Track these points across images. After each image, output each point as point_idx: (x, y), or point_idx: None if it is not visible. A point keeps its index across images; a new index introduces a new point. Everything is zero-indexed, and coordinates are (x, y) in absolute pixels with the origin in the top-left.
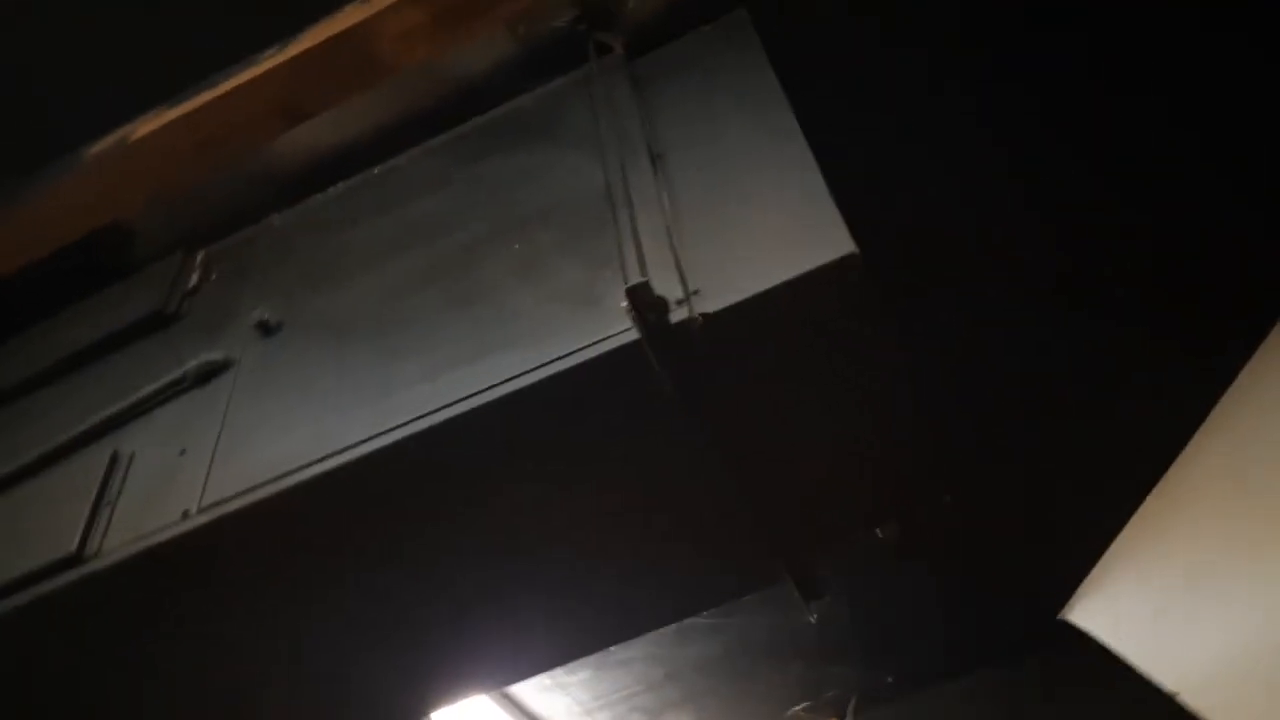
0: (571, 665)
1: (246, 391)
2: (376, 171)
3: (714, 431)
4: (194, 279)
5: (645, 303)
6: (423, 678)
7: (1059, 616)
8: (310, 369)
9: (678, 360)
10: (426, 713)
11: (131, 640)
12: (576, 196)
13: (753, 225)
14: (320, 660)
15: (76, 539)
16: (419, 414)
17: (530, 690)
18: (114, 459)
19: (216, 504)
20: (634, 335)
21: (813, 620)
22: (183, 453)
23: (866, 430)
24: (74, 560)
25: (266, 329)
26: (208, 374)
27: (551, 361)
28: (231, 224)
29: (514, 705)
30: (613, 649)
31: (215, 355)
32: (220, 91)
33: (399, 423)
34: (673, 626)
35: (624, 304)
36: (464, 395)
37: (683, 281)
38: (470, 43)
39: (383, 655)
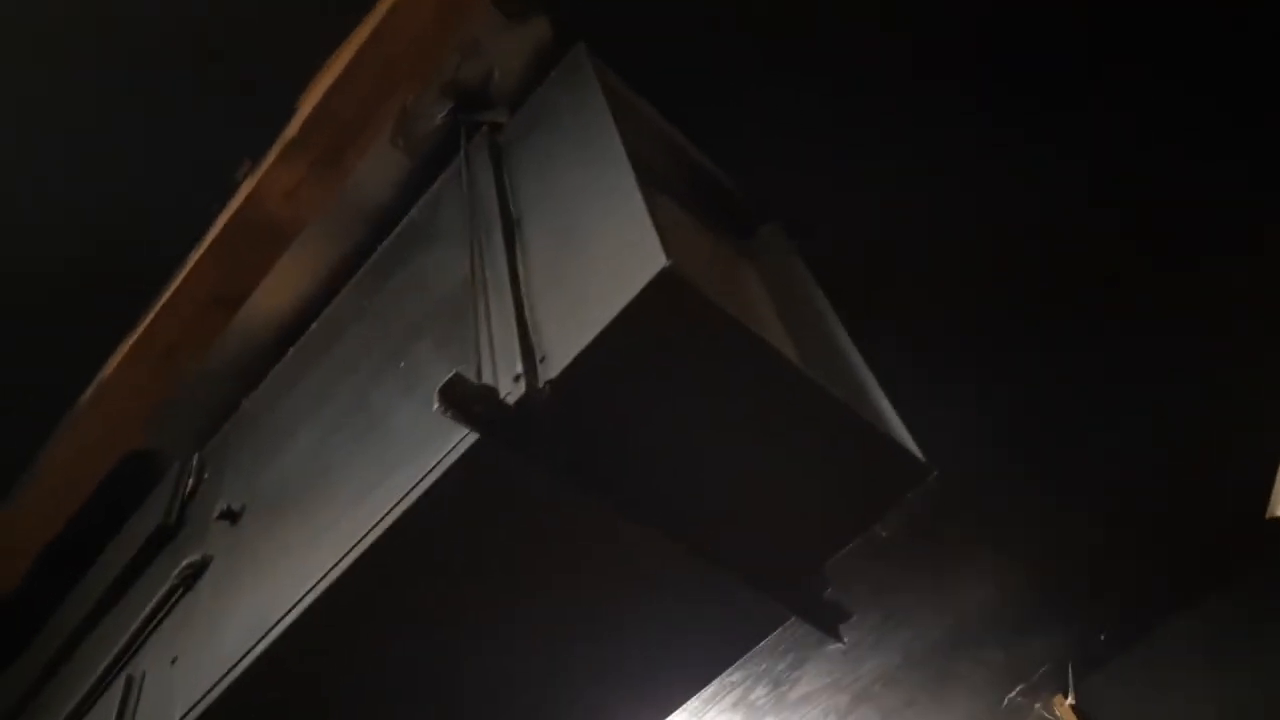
0: (751, 716)
1: (217, 586)
2: (315, 326)
3: (623, 497)
4: (190, 484)
5: (465, 397)
6: None
7: (1268, 515)
8: (259, 549)
9: (539, 439)
10: None
11: None
12: (447, 294)
13: (588, 271)
14: None
15: None
16: (313, 582)
17: None
18: (128, 684)
19: (190, 710)
20: (470, 438)
21: (843, 644)
22: (174, 662)
23: (799, 433)
24: None
25: (231, 516)
26: (190, 577)
27: (414, 487)
28: (220, 420)
29: None
30: (785, 689)
31: (194, 557)
32: (164, 301)
33: (299, 596)
34: (837, 650)
35: (438, 407)
36: (344, 550)
37: (525, 355)
38: (359, 174)
39: None
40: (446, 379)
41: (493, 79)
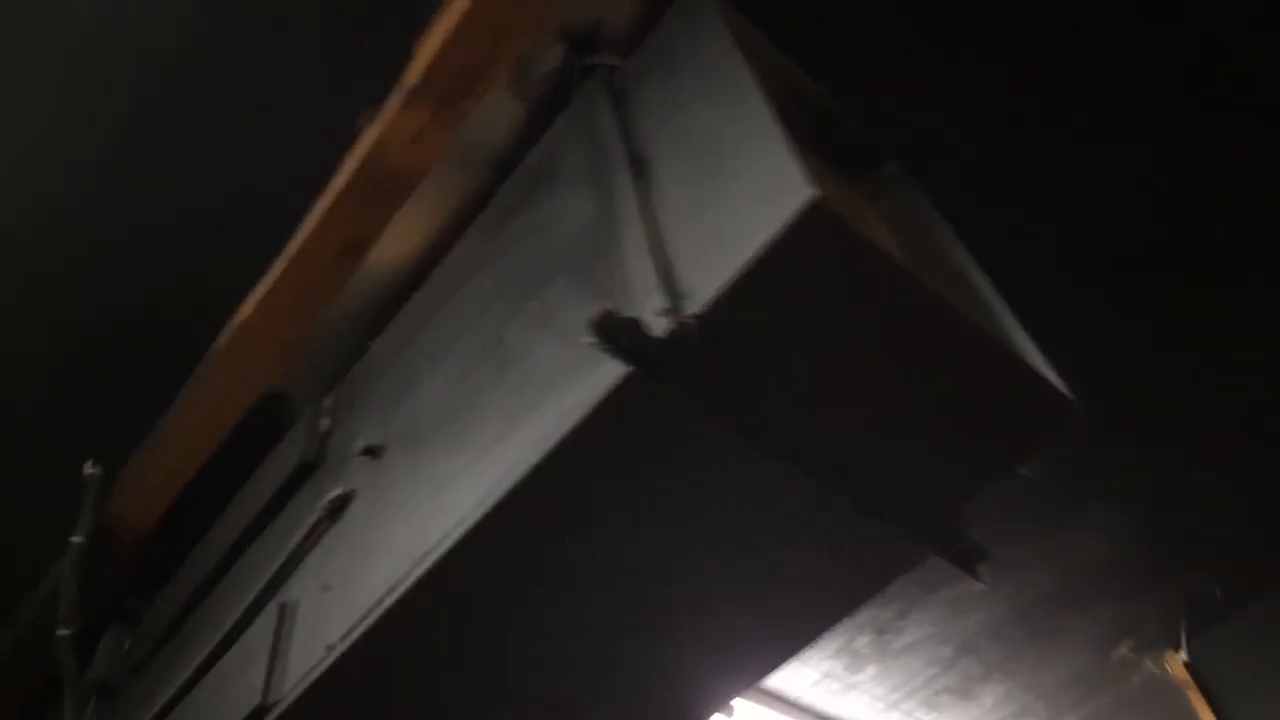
0: (854, 664)
1: (364, 518)
2: (437, 271)
3: (758, 438)
4: (325, 423)
5: (614, 330)
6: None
7: None
8: (405, 482)
9: (685, 374)
10: None
11: None
12: (576, 235)
13: (729, 207)
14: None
15: (260, 692)
16: (459, 517)
17: (824, 695)
18: (281, 610)
19: (348, 633)
20: (619, 370)
21: (986, 586)
22: (326, 589)
23: (939, 368)
24: (262, 710)
25: (373, 453)
26: (336, 510)
27: (562, 420)
28: (349, 362)
29: (813, 715)
30: (888, 638)
31: (338, 490)
32: (294, 251)
33: (448, 529)
34: (944, 599)
35: (589, 340)
36: (495, 479)
37: (668, 290)
38: (479, 118)
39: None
40: (597, 313)
41: (605, 22)
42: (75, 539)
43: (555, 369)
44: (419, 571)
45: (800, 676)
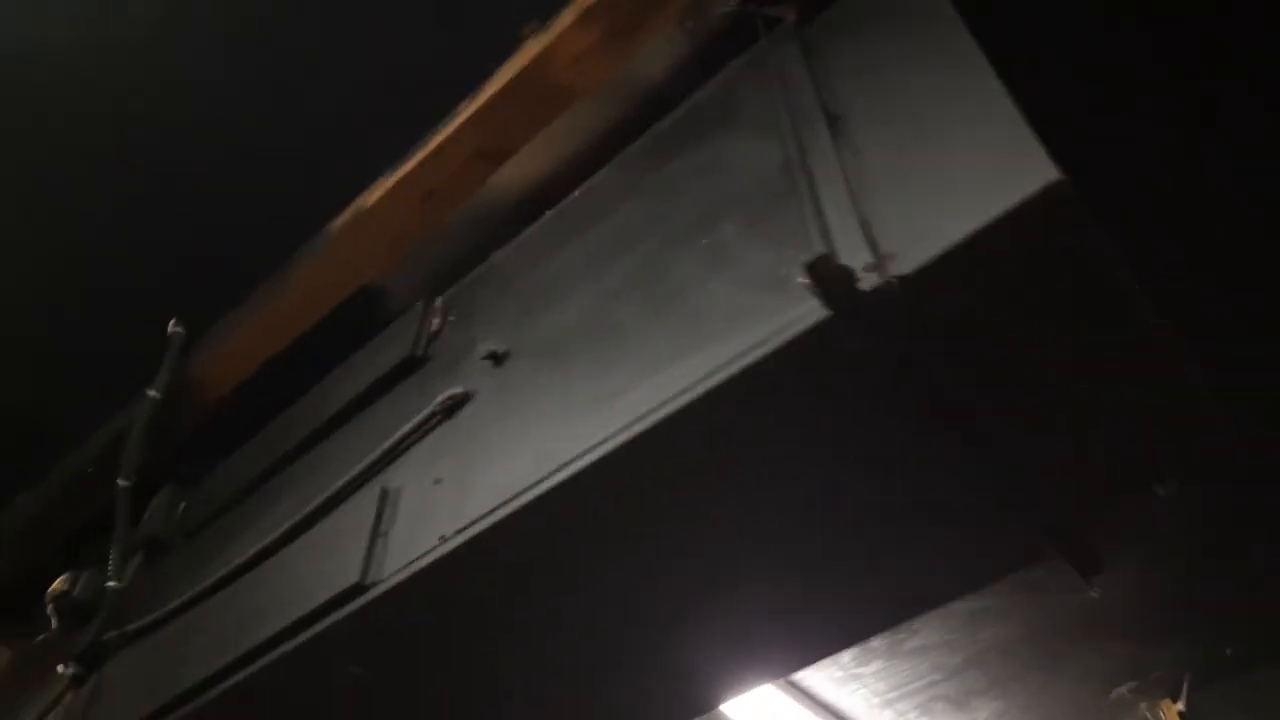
0: (862, 656)
1: (484, 420)
2: (577, 194)
3: (933, 403)
4: (435, 323)
5: (828, 274)
6: (700, 671)
7: None
8: (535, 392)
9: (877, 331)
10: (714, 705)
11: (411, 655)
12: (756, 179)
13: (944, 173)
14: (599, 658)
15: (359, 570)
16: (618, 427)
17: (825, 683)
18: (383, 495)
19: (467, 527)
20: (821, 314)
21: (1094, 595)
22: (438, 482)
23: (1121, 374)
24: (358, 589)
25: (496, 359)
26: (452, 408)
27: (739, 356)
28: (460, 268)
29: (810, 699)
30: (902, 637)
31: (457, 390)
32: (431, 147)
33: (603, 438)
34: (965, 610)
35: (803, 281)
36: (659, 403)
37: (871, 246)
38: (644, 49)
39: (659, 650)
40: (814, 255)
41: None
42: (151, 393)
43: (729, 306)
44: (559, 477)
45: None
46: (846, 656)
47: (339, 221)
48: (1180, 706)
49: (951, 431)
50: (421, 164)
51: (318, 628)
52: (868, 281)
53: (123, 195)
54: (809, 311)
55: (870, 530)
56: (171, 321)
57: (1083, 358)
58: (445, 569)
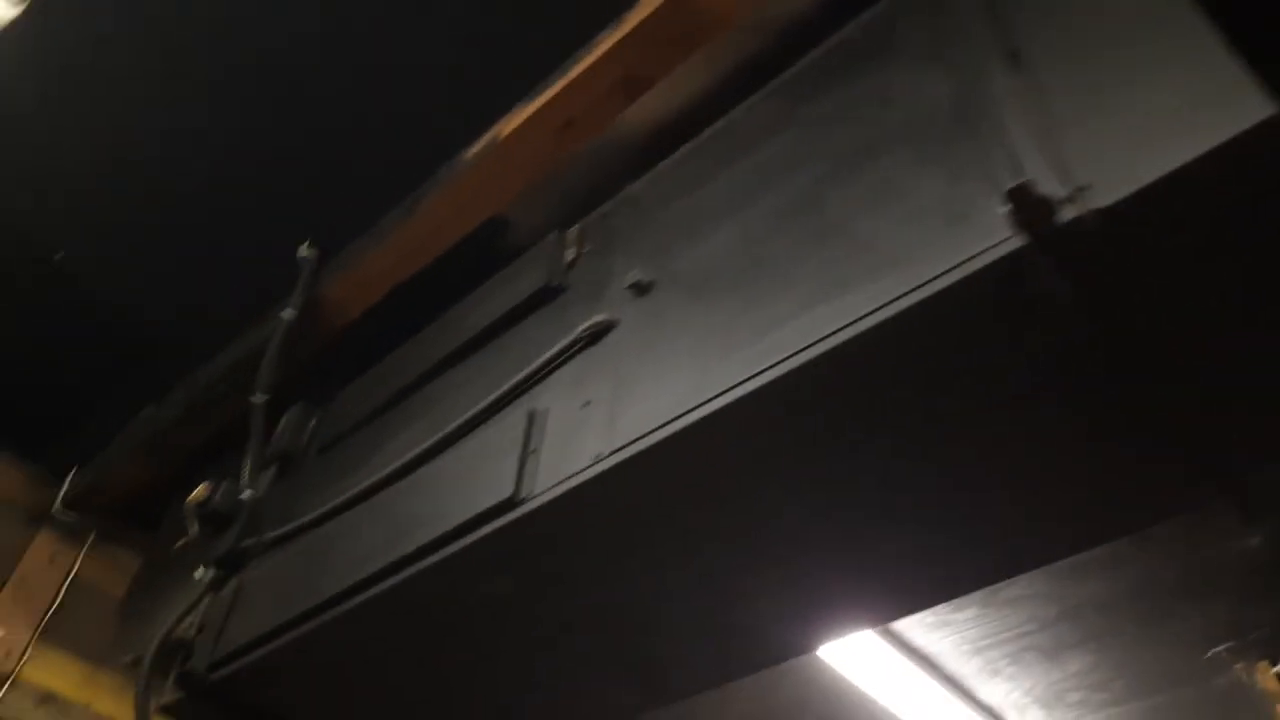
0: (957, 602)
1: (631, 347)
2: (720, 126)
3: (1120, 341)
4: (571, 253)
5: (1028, 204)
6: (805, 613)
7: None
8: (683, 321)
9: (1072, 263)
10: (813, 647)
11: (558, 571)
12: (923, 112)
13: (1139, 107)
14: (712, 594)
15: (512, 484)
16: (785, 354)
17: (916, 628)
18: (531, 416)
19: (623, 447)
20: (1016, 243)
21: (1254, 542)
22: (587, 404)
23: None
24: (511, 503)
25: (640, 289)
26: (596, 335)
27: (918, 287)
28: (593, 200)
29: (900, 643)
30: (1000, 586)
31: (600, 317)
32: (569, 77)
33: (767, 364)
34: (1067, 563)
35: (1003, 209)
36: (829, 331)
37: (1066, 178)
38: None
39: (768, 591)
40: (1017, 183)
41: None
42: (285, 313)
43: (901, 239)
44: (719, 403)
45: None
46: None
47: (473, 150)
48: (1278, 669)
49: (1135, 369)
50: (560, 94)
51: (470, 538)
52: (1065, 214)
53: (259, 119)
54: (1001, 242)
55: (1035, 468)
56: (304, 244)
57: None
58: (600, 487)
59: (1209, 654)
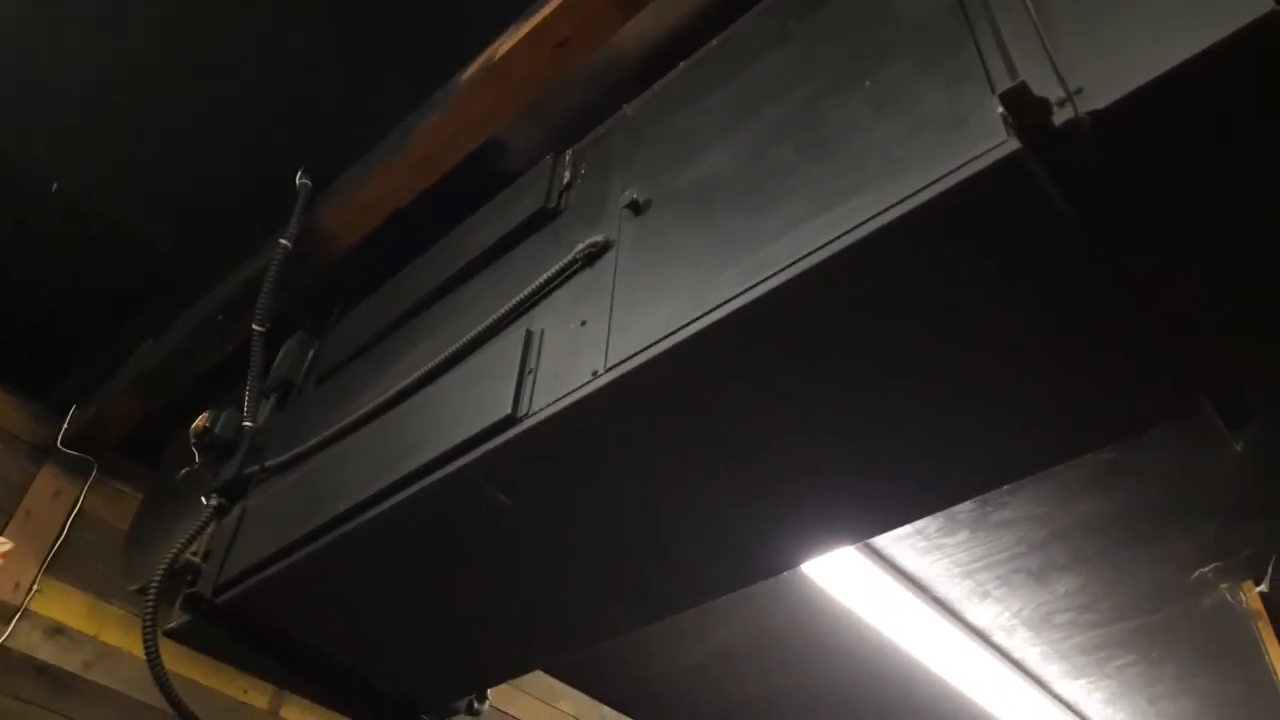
0: (948, 527)
1: (628, 266)
2: (715, 43)
3: (1112, 247)
4: (567, 175)
5: (1023, 105)
6: (799, 527)
7: None
8: (681, 238)
9: (1066, 167)
10: (804, 561)
11: (557, 487)
12: (924, 20)
13: (1134, 8)
14: (703, 508)
15: (510, 403)
16: (784, 264)
17: (908, 551)
18: (528, 336)
19: (620, 363)
20: (1012, 146)
21: (1238, 448)
22: (583, 324)
23: None
24: (510, 421)
25: (637, 208)
26: (593, 255)
27: (917, 192)
28: (590, 120)
29: (892, 566)
30: (990, 510)
31: (597, 237)
32: None
33: (766, 275)
34: (1055, 485)
35: (999, 110)
36: (828, 239)
37: (1061, 81)
38: None
39: (759, 505)
40: (1010, 85)
41: None
42: (283, 241)
43: (904, 146)
44: (719, 314)
45: None
46: (932, 527)
47: (468, 72)
48: (1263, 588)
49: (1123, 277)
50: (555, 12)
51: (470, 456)
52: (1059, 116)
53: (255, 44)
54: (998, 145)
55: (1027, 373)
56: (299, 173)
57: (1267, 208)
58: (598, 402)
59: (1194, 574)
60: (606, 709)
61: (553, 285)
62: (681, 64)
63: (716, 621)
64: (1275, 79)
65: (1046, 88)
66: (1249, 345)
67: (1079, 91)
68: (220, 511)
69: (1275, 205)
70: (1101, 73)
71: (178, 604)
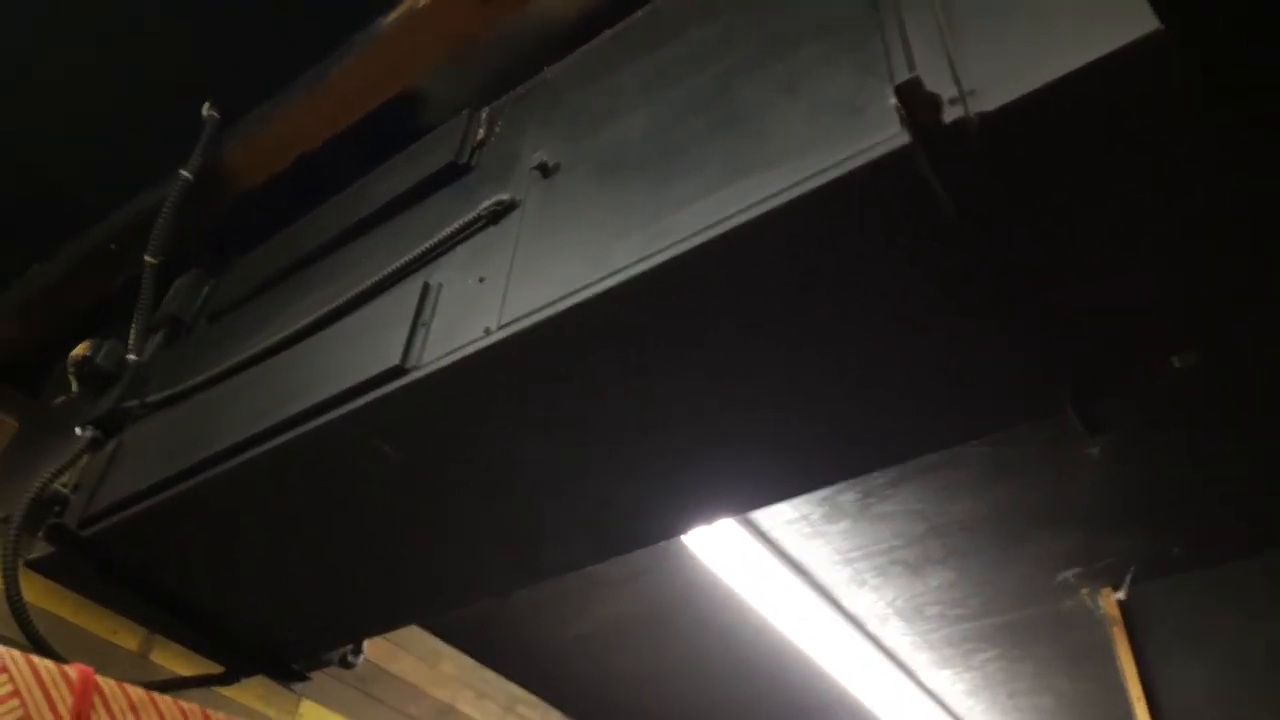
0: (832, 515)
1: (532, 226)
2: (641, 14)
3: (991, 246)
4: (481, 133)
5: (916, 100)
6: (679, 497)
7: None
8: (586, 203)
9: (952, 165)
10: (684, 530)
11: (443, 442)
12: (838, 10)
13: (1032, 17)
14: (589, 471)
15: (399, 353)
16: (683, 235)
17: (793, 536)
18: (425, 289)
19: (512, 321)
20: (903, 139)
21: (1094, 452)
22: (481, 280)
23: (1176, 243)
24: (398, 371)
25: (545, 170)
26: (498, 214)
27: (811, 177)
28: (510, 81)
29: (776, 549)
30: (873, 501)
31: (504, 196)
32: None
33: (665, 245)
34: (937, 482)
35: (892, 102)
36: (726, 215)
37: (956, 80)
38: None
39: (643, 472)
40: (906, 79)
41: None
42: (183, 173)
43: (802, 130)
44: (610, 282)
45: (777, 512)
46: (817, 514)
47: (390, 18)
48: (1120, 595)
49: (1000, 274)
50: None
51: (355, 404)
52: (950, 114)
53: None
54: (889, 137)
55: (894, 367)
56: (206, 105)
57: (1138, 220)
58: (486, 359)
59: (1059, 578)
60: (490, 672)
61: (455, 240)
62: (606, 32)
63: (604, 594)
64: (1155, 94)
65: (941, 85)
66: (1113, 352)
67: (972, 92)
68: (94, 444)
69: (1146, 218)
70: (995, 75)
71: (41, 534)
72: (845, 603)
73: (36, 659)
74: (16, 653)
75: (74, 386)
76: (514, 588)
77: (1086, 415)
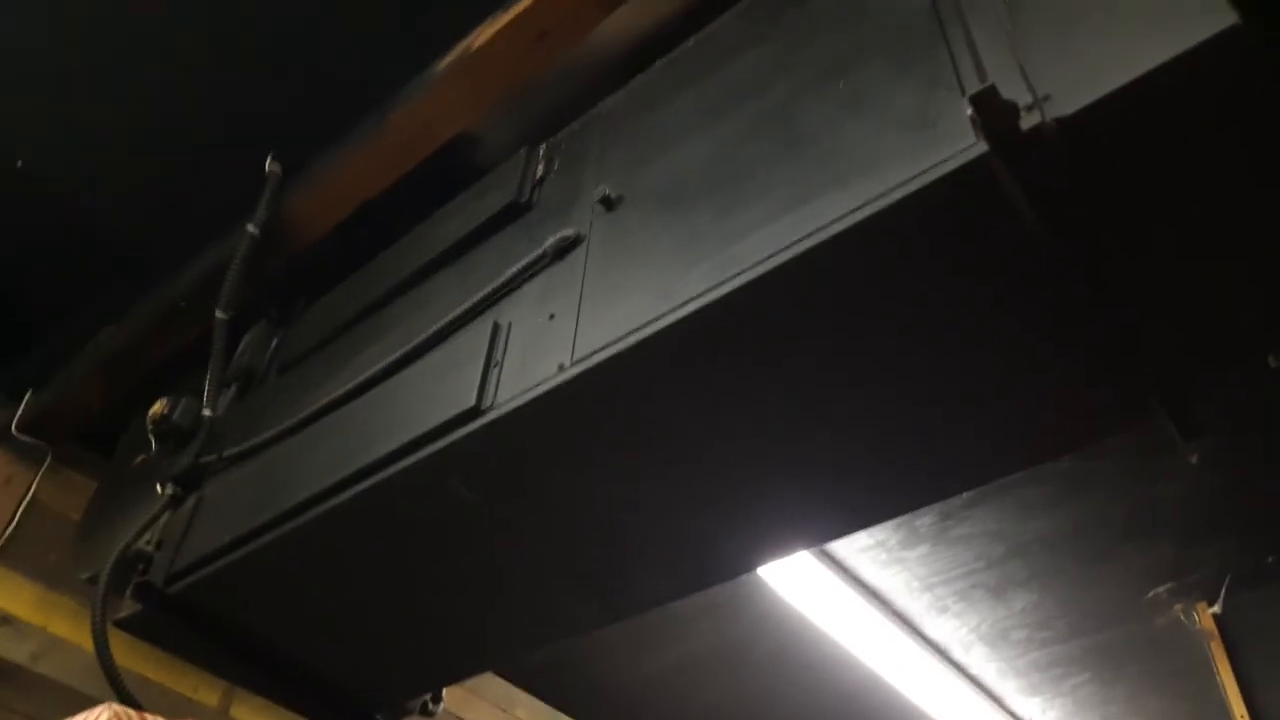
0: (909, 540)
1: (598, 260)
2: (692, 42)
3: (1073, 253)
4: (540, 169)
5: (992, 109)
6: (759, 528)
7: None
8: (651, 233)
9: (1032, 172)
10: (754, 566)
11: (519, 481)
12: (899, 24)
13: (1103, 18)
14: (667, 506)
15: (474, 395)
16: (753, 262)
17: (869, 564)
18: (495, 328)
19: (586, 357)
20: (980, 149)
21: (1192, 461)
22: (551, 318)
23: (1272, 235)
24: (474, 413)
25: (609, 203)
26: (563, 250)
27: (885, 193)
28: (564, 116)
29: (853, 578)
30: (950, 524)
31: (568, 232)
32: None
33: (735, 272)
34: (1015, 501)
35: (968, 112)
36: (797, 238)
37: (1029, 86)
38: None
39: (722, 504)
40: (980, 88)
41: None
42: (250, 228)
43: (873, 147)
44: (683, 312)
45: (852, 538)
46: (893, 539)
47: (445, 62)
48: (1216, 609)
49: (1082, 283)
50: (535, 4)
51: (432, 448)
52: (1026, 121)
53: (228, 26)
54: (967, 148)
55: (986, 377)
56: (269, 158)
57: (1229, 215)
58: (562, 396)
59: (1150, 594)
60: (564, 717)
61: (522, 279)
62: (659, 61)
63: (678, 631)
64: (1237, 91)
65: (1015, 92)
66: (1202, 355)
67: (1047, 98)
68: (175, 500)
69: (1239, 211)
70: (1070, 79)
71: (128, 593)
72: (927, 630)
73: (150, 716)
74: (133, 712)
75: (153, 445)
76: (594, 626)
77: (1183, 422)
